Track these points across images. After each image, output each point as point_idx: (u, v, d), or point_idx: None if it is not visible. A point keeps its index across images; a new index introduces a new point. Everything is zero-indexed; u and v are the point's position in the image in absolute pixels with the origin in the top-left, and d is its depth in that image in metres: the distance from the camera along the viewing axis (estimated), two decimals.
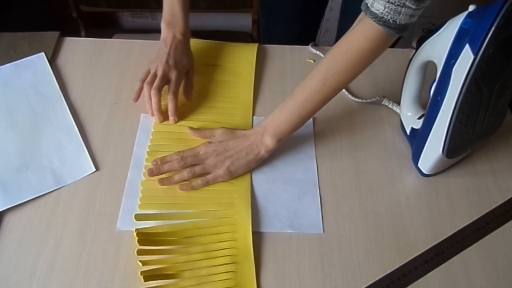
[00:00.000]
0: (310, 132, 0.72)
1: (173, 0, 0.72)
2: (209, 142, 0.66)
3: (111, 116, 0.72)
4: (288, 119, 0.64)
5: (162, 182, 0.63)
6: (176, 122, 0.71)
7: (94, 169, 0.66)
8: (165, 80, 0.69)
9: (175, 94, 0.70)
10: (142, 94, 0.70)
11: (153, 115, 0.70)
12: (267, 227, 0.61)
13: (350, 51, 0.59)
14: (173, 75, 0.70)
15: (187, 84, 0.73)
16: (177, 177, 0.63)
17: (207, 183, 0.64)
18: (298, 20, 1.00)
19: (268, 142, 0.64)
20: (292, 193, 0.65)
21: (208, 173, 0.64)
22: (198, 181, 0.63)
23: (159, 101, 0.69)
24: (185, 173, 0.63)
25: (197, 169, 0.64)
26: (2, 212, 0.61)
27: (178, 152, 0.65)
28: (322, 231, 0.61)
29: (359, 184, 0.66)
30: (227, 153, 0.64)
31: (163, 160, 0.64)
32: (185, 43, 0.73)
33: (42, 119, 0.71)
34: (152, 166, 0.64)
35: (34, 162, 0.66)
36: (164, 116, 0.70)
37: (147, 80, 0.69)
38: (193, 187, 0.63)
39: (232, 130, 0.68)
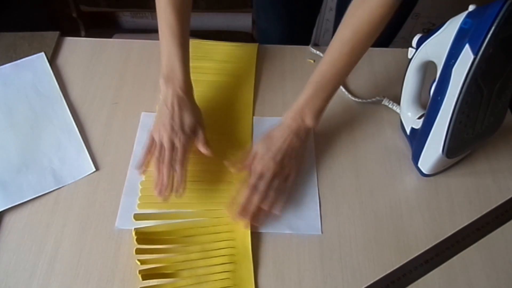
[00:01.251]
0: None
1: (171, 52, 0.65)
2: (260, 157, 0.63)
3: (111, 116, 0.72)
4: (322, 96, 0.64)
5: (256, 221, 0.61)
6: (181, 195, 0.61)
7: (94, 169, 0.66)
8: (175, 149, 0.63)
9: (181, 164, 0.61)
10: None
11: (160, 193, 0.60)
12: (265, 227, 0.61)
13: (373, 21, 0.60)
14: (179, 141, 0.62)
15: (198, 141, 0.65)
16: (265, 205, 0.60)
17: (290, 191, 0.64)
18: (293, 20, 1.00)
19: (310, 122, 0.64)
20: (291, 194, 0.65)
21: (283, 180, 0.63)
22: (283, 194, 0.63)
23: (170, 177, 0.61)
24: (270, 196, 0.61)
25: (275, 184, 0.62)
26: (2, 212, 0.61)
27: (245, 184, 0.61)
28: (320, 233, 0.61)
29: (359, 184, 0.66)
30: (285, 155, 0.63)
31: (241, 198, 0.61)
32: (187, 99, 0.65)
33: (42, 119, 0.71)
34: (234, 216, 0.61)
35: (34, 162, 0.66)
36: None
37: (156, 155, 0.62)
38: (283, 202, 0.62)
39: (266, 135, 0.65)
